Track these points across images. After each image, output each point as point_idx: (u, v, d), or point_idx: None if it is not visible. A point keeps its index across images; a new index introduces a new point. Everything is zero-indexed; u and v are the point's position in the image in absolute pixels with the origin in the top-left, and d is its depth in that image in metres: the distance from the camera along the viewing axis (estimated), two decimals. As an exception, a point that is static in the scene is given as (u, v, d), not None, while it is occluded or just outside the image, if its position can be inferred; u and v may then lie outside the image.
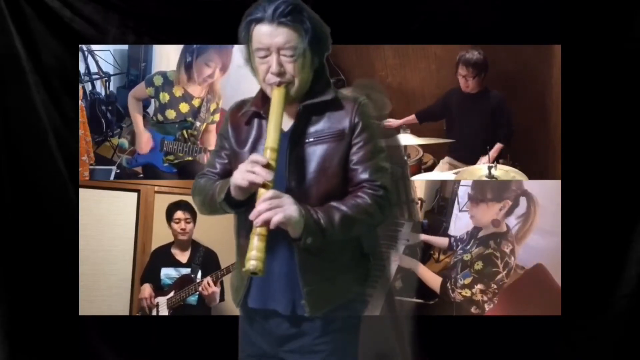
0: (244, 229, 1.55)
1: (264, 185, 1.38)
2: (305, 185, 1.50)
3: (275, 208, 1.36)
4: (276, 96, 1.46)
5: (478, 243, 2.69)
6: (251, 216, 1.36)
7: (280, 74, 1.45)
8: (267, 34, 1.43)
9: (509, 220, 2.70)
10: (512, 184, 2.74)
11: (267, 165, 1.38)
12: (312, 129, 1.53)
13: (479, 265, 2.61)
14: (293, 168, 1.50)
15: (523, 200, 2.69)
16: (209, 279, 2.87)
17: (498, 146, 3.16)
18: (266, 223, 1.36)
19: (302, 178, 1.50)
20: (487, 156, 3.00)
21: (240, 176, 1.40)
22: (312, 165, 1.51)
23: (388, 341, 2.55)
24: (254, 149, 1.56)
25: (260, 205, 1.36)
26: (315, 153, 1.51)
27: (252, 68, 1.53)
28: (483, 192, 2.74)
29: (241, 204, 1.47)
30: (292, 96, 1.50)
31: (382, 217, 1.54)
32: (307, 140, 1.53)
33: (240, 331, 1.75)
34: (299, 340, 1.60)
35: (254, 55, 1.47)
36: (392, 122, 3.38)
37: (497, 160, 3.06)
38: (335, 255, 1.56)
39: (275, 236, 1.41)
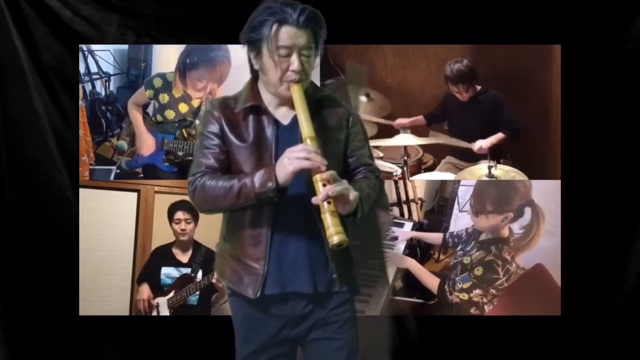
0: (240, 225, 1.66)
1: (319, 170, 1.49)
2: None
3: (344, 187, 1.49)
4: (298, 91, 1.58)
5: (479, 246, 2.67)
6: (322, 196, 1.46)
7: (299, 71, 1.58)
8: (292, 34, 1.56)
9: (513, 226, 2.68)
10: (516, 195, 2.69)
11: (316, 152, 1.50)
12: (315, 121, 1.59)
13: (479, 271, 2.60)
14: None
15: (528, 212, 2.65)
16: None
17: (499, 135, 3.09)
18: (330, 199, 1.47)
19: None
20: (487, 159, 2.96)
21: (296, 162, 1.49)
22: (322, 153, 1.57)
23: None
24: (259, 140, 1.63)
25: (329, 187, 1.46)
26: (323, 142, 1.59)
27: (264, 64, 1.60)
28: (483, 204, 2.70)
29: (286, 191, 1.55)
30: None
31: (378, 196, 1.74)
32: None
33: (242, 325, 1.74)
34: (315, 315, 1.70)
35: (273, 53, 1.57)
36: (403, 121, 3.37)
37: (497, 159, 3.04)
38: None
39: (289, 221, 1.62)
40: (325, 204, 1.46)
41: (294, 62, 1.57)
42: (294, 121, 1.62)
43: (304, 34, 1.57)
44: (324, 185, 1.47)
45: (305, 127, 1.53)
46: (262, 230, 1.64)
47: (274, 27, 1.55)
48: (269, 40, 1.56)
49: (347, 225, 1.53)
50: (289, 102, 1.64)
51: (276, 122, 1.65)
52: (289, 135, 1.62)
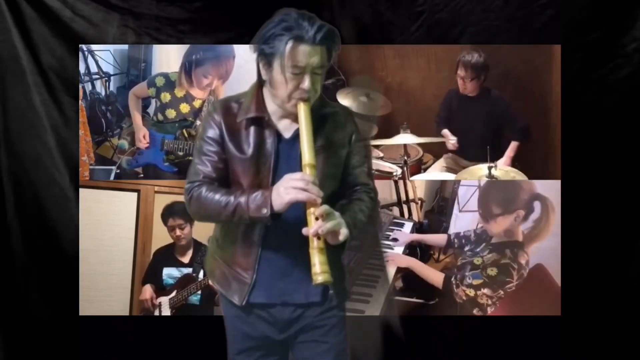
0: (230, 233, 1.68)
1: (314, 202, 1.47)
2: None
3: (335, 223, 1.48)
4: (305, 111, 1.54)
5: (491, 248, 2.64)
6: (312, 232, 1.45)
7: (309, 90, 1.54)
8: (306, 53, 1.50)
9: (524, 225, 2.63)
10: (521, 191, 2.66)
11: (313, 182, 1.47)
12: (319, 137, 1.59)
13: (493, 271, 2.55)
14: None
15: (537, 205, 2.61)
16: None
17: (514, 144, 3.12)
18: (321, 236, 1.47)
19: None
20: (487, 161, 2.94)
21: (293, 193, 1.46)
22: (323, 170, 1.59)
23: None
24: (258, 153, 1.61)
25: (319, 224, 1.46)
26: (325, 159, 1.60)
27: (273, 78, 1.55)
28: (489, 210, 2.65)
29: (280, 216, 1.54)
30: None
31: (371, 216, 1.71)
32: (316, 147, 1.56)
33: (231, 327, 1.77)
34: (303, 320, 1.71)
35: (285, 70, 1.51)
36: (447, 135, 3.30)
37: (515, 159, 3.04)
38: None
39: (282, 232, 1.59)
40: (315, 239, 1.46)
41: (305, 81, 1.52)
42: (296, 134, 1.59)
43: (319, 53, 1.51)
44: (317, 219, 1.46)
45: (307, 154, 1.50)
46: (254, 240, 1.64)
47: (289, 44, 1.49)
48: (282, 57, 1.50)
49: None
50: (293, 115, 1.60)
51: (278, 135, 1.62)
52: (290, 149, 1.61)
